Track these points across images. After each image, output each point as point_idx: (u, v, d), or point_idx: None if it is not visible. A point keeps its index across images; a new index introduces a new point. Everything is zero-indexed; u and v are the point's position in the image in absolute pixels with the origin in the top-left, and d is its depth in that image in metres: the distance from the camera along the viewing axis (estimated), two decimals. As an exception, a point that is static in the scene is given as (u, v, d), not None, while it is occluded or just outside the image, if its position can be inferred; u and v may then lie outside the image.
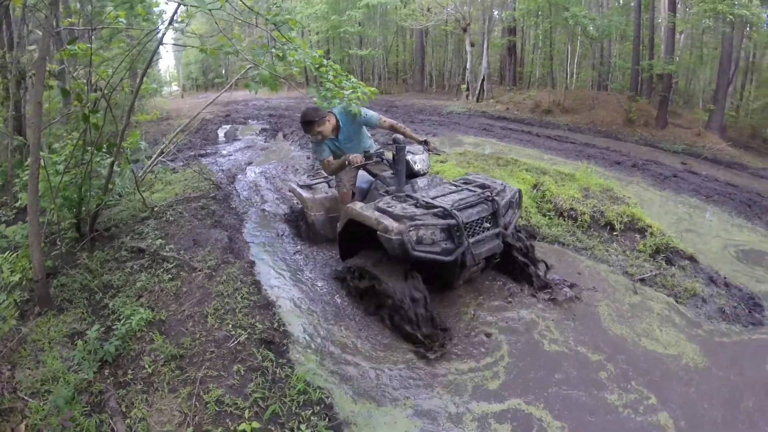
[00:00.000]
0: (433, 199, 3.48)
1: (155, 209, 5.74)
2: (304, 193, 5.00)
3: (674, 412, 2.87)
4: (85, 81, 4.58)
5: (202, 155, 9.98)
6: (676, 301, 4.32)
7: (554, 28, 19.04)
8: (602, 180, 7.29)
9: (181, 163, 8.83)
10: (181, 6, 4.02)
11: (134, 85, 5.12)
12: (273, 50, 3.91)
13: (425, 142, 4.24)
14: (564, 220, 5.92)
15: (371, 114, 4.22)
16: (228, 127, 14.77)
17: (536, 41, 22.30)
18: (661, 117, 14.79)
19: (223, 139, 12.70)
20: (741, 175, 10.72)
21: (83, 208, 4.80)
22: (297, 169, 8.75)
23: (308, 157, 9.67)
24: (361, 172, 4.57)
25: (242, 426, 2.42)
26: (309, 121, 4.01)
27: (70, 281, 4.12)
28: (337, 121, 4.15)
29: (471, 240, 3.33)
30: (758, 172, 11.06)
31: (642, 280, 4.68)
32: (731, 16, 12.06)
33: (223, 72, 40.33)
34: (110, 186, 5.08)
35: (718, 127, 14.06)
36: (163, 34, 4.31)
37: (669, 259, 5.11)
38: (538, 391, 2.94)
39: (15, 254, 4.05)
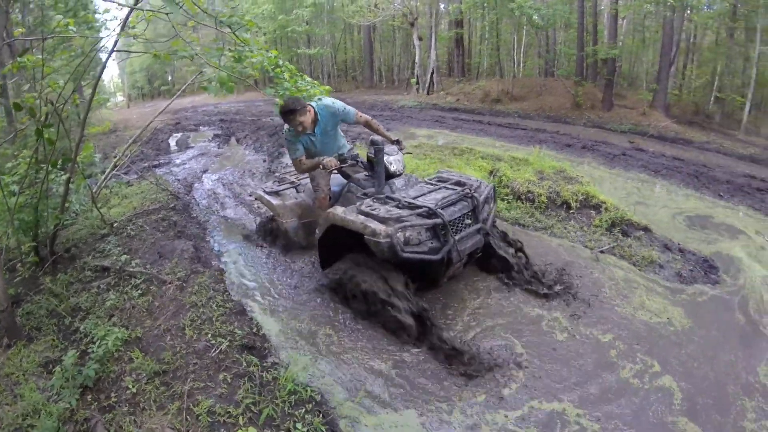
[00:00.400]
0: (414, 199, 3.50)
1: (115, 225, 5.58)
2: (273, 200, 4.83)
3: (675, 374, 3.10)
4: (35, 94, 4.39)
5: (155, 166, 9.72)
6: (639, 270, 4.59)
7: (500, 19, 19.45)
8: (555, 162, 7.59)
9: (135, 176, 8.59)
10: (133, 11, 3.91)
11: (84, 96, 4.93)
12: (227, 52, 3.87)
13: (398, 142, 4.20)
14: (522, 203, 6.15)
15: (349, 108, 4.18)
16: (179, 135, 14.39)
17: (483, 32, 22.71)
18: (606, 99, 15.42)
19: (175, 147, 12.38)
20: (687, 149, 11.33)
21: (41, 230, 4.62)
22: (254, 174, 8.64)
23: (264, 161, 9.58)
24: (333, 175, 4.52)
25: (239, 432, 2.43)
26: (291, 110, 3.82)
27: (36, 308, 3.96)
28: (316, 114, 4.05)
29: (455, 237, 3.38)
30: (703, 146, 11.72)
31: (601, 252, 4.94)
32: (672, 1, 12.64)
33: (170, 79, 39.11)
34: (67, 204, 4.90)
35: (663, 105, 14.76)
36: (116, 41, 4.17)
37: (625, 231, 5.41)
38: (562, 384, 3.01)
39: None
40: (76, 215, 6.00)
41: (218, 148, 11.72)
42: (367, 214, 3.32)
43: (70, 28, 4.18)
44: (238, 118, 16.66)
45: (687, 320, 3.74)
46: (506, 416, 2.73)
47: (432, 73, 19.73)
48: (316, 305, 3.91)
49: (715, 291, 4.24)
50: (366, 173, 4.14)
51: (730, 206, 6.88)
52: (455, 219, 3.43)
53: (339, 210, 3.54)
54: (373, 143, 3.75)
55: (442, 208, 3.37)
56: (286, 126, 4.05)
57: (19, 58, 3.97)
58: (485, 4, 18.73)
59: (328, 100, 4.06)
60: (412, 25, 19.92)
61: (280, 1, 24.36)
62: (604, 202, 5.98)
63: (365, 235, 3.20)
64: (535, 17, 15.64)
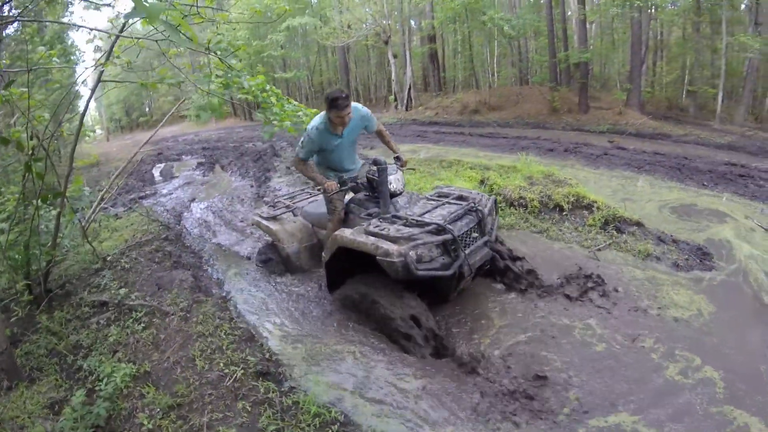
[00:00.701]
0: (421, 216, 3.50)
1: (108, 259, 5.46)
2: (273, 226, 4.79)
3: (714, 364, 3.11)
4: (20, 128, 4.31)
5: (142, 197, 9.60)
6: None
7: (472, 32, 19.86)
8: (542, 167, 7.70)
9: (123, 208, 8.46)
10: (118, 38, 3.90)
11: (70, 129, 4.86)
12: (214, 78, 3.86)
13: (398, 158, 4.15)
14: (515, 209, 6.22)
15: (373, 117, 4.15)
16: (162, 165, 14.27)
17: (456, 46, 23.14)
18: (582, 102, 15.79)
19: (160, 178, 12.26)
20: (665, 143, 11.60)
21: (32, 267, 4.50)
22: (242, 200, 8.61)
23: (251, 186, 9.54)
24: (323, 198, 4.43)
25: (266, 460, 2.37)
26: (346, 96, 3.66)
27: (34, 348, 3.82)
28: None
29: (465, 251, 3.39)
30: (681, 139, 12.03)
31: (599, 251, 5.00)
32: (638, 2, 13.06)
33: (147, 110, 38.91)
34: (58, 240, 4.79)
35: (637, 103, 15.18)
36: (102, 71, 4.13)
37: (618, 227, 5.51)
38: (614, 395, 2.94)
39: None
40: (66, 251, 5.86)
41: (203, 176, 11.65)
42: (376, 235, 3.30)
43: (53, 60, 4.15)
44: (221, 145, 16.61)
45: (711, 307, 3.80)
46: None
47: (409, 89, 20.00)
48: (326, 327, 3.85)
49: (722, 275, 4.34)
50: (366, 193, 4.11)
51: (715, 194, 7.05)
52: (463, 233, 3.44)
53: (347, 232, 3.50)
54: (375, 163, 3.73)
55: (450, 224, 3.37)
56: (313, 122, 3.88)
57: (2, 91, 3.90)
58: (456, 19, 19.11)
59: (356, 104, 3.95)
60: (386, 43, 20.21)
61: (253, 27, 24.54)
62: (595, 202, 6.07)
63: (377, 255, 3.17)
64: (506, 28, 16.01)
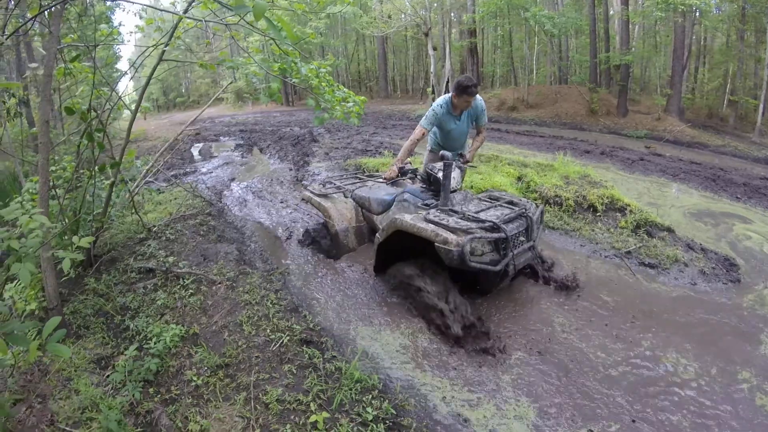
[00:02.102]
0: (476, 213, 3.65)
1: (153, 229, 5.71)
2: (324, 203, 4.96)
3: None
4: (79, 100, 4.54)
5: (183, 174, 9.91)
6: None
7: (513, 28, 19.65)
8: (579, 167, 7.69)
9: (164, 184, 8.76)
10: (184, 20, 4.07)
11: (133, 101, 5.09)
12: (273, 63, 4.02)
13: (461, 155, 4.43)
14: (550, 206, 6.27)
15: (485, 113, 4.62)
16: (200, 145, 14.64)
17: (496, 41, 22.93)
18: (621, 105, 15.52)
19: (199, 157, 12.60)
20: (703, 153, 11.40)
21: (81, 233, 4.75)
22: (282, 182, 8.81)
23: (290, 169, 9.74)
24: (384, 185, 4.78)
25: (312, 418, 2.52)
26: (475, 85, 4.17)
27: (81, 307, 4.04)
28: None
29: (514, 252, 3.53)
30: (718, 149, 11.78)
31: (628, 253, 5.03)
32: (683, 7, 12.77)
33: (184, 91, 39.68)
34: (108, 208, 5.05)
35: (677, 110, 14.85)
36: (163, 51, 4.33)
37: (649, 232, 5.55)
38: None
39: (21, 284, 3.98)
40: (112, 220, 6.15)
41: (242, 157, 11.93)
42: (436, 223, 3.45)
43: (117, 37, 4.36)
44: (258, 129, 16.92)
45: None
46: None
47: (447, 83, 19.91)
48: (367, 303, 4.05)
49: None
50: (422, 185, 4.33)
51: (748, 207, 7.00)
52: (513, 235, 3.56)
53: (407, 217, 3.66)
54: (443, 157, 3.90)
55: (504, 224, 3.50)
56: (439, 101, 4.41)
57: (69, 65, 4.13)
58: (498, 14, 18.93)
59: (479, 97, 4.41)
60: (426, 35, 20.16)
61: (292, 15, 24.75)
62: (629, 205, 6.09)
63: (436, 242, 3.32)
64: (548, 26, 15.80)
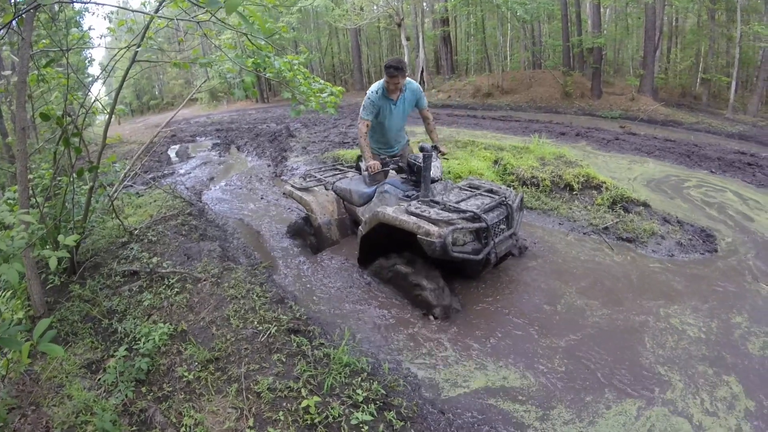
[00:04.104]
0: (457, 203, 3.72)
1: (134, 232, 5.69)
2: (306, 196, 4.98)
3: None
4: (53, 107, 4.49)
5: (161, 176, 9.82)
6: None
7: (485, 16, 19.75)
8: (555, 148, 7.84)
9: (143, 187, 8.69)
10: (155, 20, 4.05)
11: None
12: (245, 58, 4.03)
13: (436, 147, 4.42)
14: (527, 188, 6.41)
15: (424, 96, 4.61)
16: (177, 146, 14.47)
17: (468, 29, 23.02)
18: (595, 87, 15.77)
19: (176, 158, 12.48)
20: (677, 130, 11.68)
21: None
22: (261, 179, 8.81)
23: (268, 165, 9.73)
24: (361, 177, 4.80)
25: (304, 403, 2.58)
26: (400, 67, 4.16)
27: (68, 313, 4.02)
28: (404, 85, 4.39)
29: (495, 240, 3.62)
30: (692, 127, 12.07)
31: (606, 229, 5.18)
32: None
33: (157, 93, 39.01)
34: (89, 214, 5.01)
35: (650, 90, 15.13)
36: (135, 52, 4.30)
37: (626, 207, 5.71)
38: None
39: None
40: (93, 225, 6.09)
41: (219, 156, 11.86)
42: (417, 215, 3.52)
43: (88, 41, 4.32)
44: (234, 127, 16.79)
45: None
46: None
47: (422, 72, 20.01)
48: (352, 292, 4.14)
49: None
50: (403, 176, 4.38)
51: (722, 180, 7.23)
52: (494, 224, 3.64)
53: (389, 210, 3.73)
54: (422, 149, 3.93)
55: (484, 213, 3.58)
56: (373, 87, 4.38)
57: (43, 70, 4.09)
58: (470, 2, 19.01)
59: (410, 79, 4.41)
60: (399, 25, 20.17)
61: (263, 10, 24.50)
62: (604, 182, 6.25)
63: (418, 234, 3.40)
64: (520, 12, 15.93)
